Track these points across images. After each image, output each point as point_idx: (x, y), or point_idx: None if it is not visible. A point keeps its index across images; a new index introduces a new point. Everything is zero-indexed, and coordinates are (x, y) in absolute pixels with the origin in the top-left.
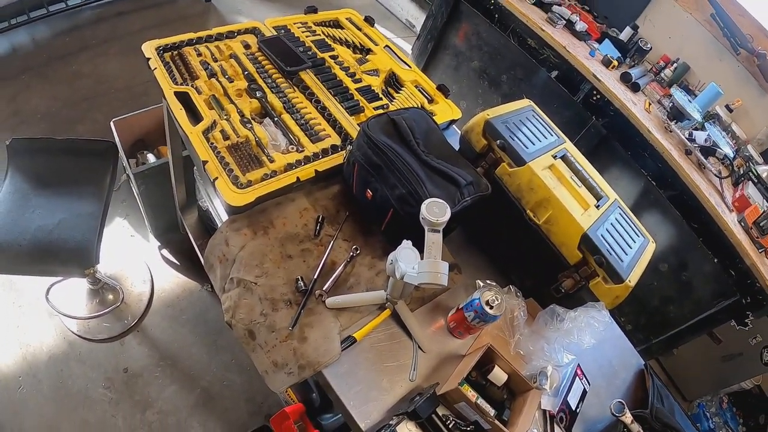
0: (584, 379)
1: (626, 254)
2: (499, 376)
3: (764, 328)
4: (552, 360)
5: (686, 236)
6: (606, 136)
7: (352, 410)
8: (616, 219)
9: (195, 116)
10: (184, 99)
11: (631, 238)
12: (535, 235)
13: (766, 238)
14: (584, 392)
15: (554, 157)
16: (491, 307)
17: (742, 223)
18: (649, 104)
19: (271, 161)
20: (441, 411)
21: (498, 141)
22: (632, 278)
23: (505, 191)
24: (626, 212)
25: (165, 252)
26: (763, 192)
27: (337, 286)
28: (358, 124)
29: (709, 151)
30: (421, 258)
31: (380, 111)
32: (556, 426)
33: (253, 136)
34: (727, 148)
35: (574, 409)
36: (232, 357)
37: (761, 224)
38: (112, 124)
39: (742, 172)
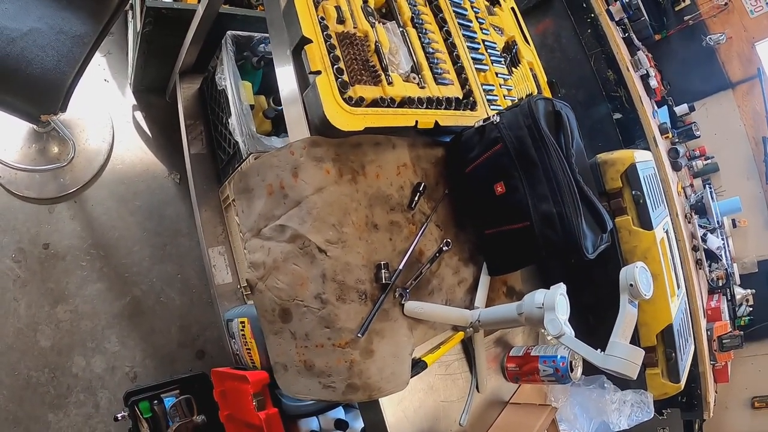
0: None
1: (684, 356)
2: None
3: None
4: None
5: None
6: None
7: None
8: (683, 315)
9: None
10: None
11: (691, 336)
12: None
13: (722, 355)
14: None
15: (665, 230)
16: (572, 371)
17: (709, 332)
18: (682, 188)
19: (390, 83)
20: None
21: (634, 192)
22: (683, 380)
23: (616, 246)
24: (686, 305)
25: (139, 115)
26: (730, 310)
27: (418, 286)
28: (482, 85)
29: (710, 255)
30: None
31: (503, 79)
32: None
33: (374, 34)
34: (724, 260)
35: None
36: (179, 271)
37: (724, 342)
38: None
39: (721, 284)
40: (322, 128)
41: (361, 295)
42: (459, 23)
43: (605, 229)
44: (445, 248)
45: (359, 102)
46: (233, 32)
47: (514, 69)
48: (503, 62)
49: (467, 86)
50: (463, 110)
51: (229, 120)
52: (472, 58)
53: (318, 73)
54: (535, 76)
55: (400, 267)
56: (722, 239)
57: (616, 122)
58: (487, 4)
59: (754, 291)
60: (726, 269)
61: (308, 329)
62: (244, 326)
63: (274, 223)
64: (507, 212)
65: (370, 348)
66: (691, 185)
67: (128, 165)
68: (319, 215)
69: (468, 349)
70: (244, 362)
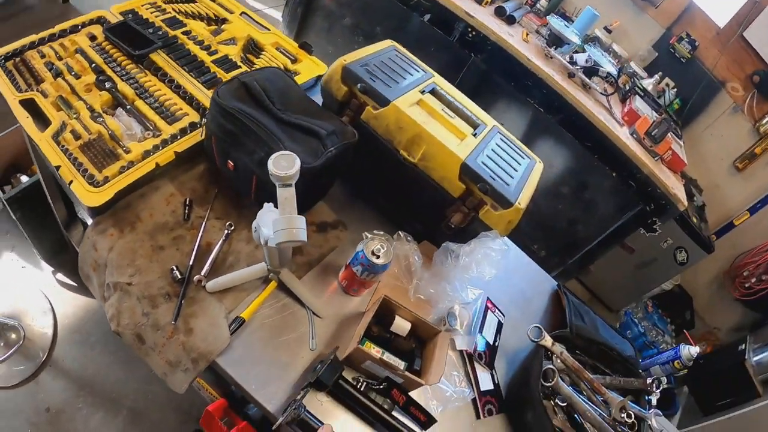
0: (497, 311)
1: (512, 177)
2: (401, 325)
3: (672, 231)
4: (457, 299)
5: (582, 156)
6: (487, 72)
7: (255, 394)
8: (497, 144)
9: (45, 122)
10: (31, 106)
11: (515, 160)
12: (414, 175)
13: (659, 146)
14: (500, 324)
15: (422, 92)
16: (377, 257)
17: (634, 135)
18: (527, 34)
19: (127, 152)
20: (350, 375)
21: (358, 85)
22: (522, 200)
23: (374, 135)
24: (507, 137)
25: (60, 276)
26: (650, 103)
27: (216, 268)
28: None
29: (591, 71)
30: None
31: None
32: (476, 363)
33: (105, 129)
34: (609, 67)
35: (492, 343)
36: (150, 369)
37: (653, 133)
38: None
39: (627, 88)
40: (92, 211)
41: (165, 296)
42: (183, 67)
43: (320, 137)
44: (229, 231)
45: (106, 180)
46: None
47: (257, 59)
48: (241, 63)
49: (201, 107)
50: (201, 128)
51: None
52: (205, 81)
53: (71, 182)
54: (284, 50)
55: (191, 262)
56: (602, 51)
57: (431, 23)
58: (215, 27)
59: (660, 73)
60: (617, 74)
61: (153, 338)
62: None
63: (105, 285)
64: (244, 178)
65: (189, 328)
66: (545, 24)
67: (72, 316)
68: (118, 264)
69: (290, 291)
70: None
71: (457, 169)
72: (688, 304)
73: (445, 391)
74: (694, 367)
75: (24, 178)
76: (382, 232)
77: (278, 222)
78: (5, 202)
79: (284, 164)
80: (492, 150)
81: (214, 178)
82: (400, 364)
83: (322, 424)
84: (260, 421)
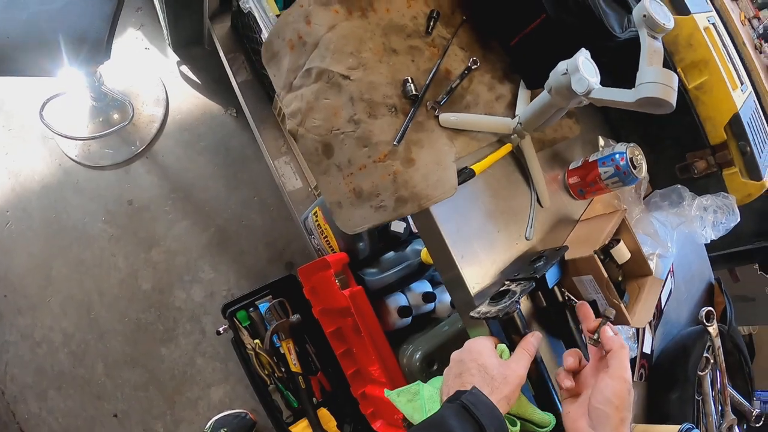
0: (673, 277)
1: (763, 150)
2: (623, 253)
3: None
4: (661, 247)
5: None
6: None
7: (462, 267)
8: (755, 111)
9: None
10: None
11: (762, 137)
12: (680, 100)
13: None
14: (670, 292)
15: (709, 20)
16: (635, 168)
17: None
18: (745, 17)
19: None
20: None
21: None
22: (766, 176)
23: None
24: (759, 110)
25: (185, 68)
26: None
27: (451, 101)
28: None
29: None
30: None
31: None
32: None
33: None
34: None
35: (662, 307)
36: (255, 193)
37: None
38: None
39: None
40: None
41: (391, 109)
42: None
43: (629, 8)
44: (473, 66)
45: None
46: None
47: None
48: None
49: None
50: None
51: (262, 36)
52: None
53: None
54: None
55: (427, 82)
56: None
57: None
58: None
59: None
60: None
61: (349, 155)
62: (317, 215)
63: (302, 70)
64: (520, 12)
65: (410, 157)
66: (757, 17)
67: (186, 114)
68: (336, 47)
69: (522, 165)
70: (325, 253)
71: (728, 116)
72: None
73: None
74: None
75: None
76: (632, 143)
77: (648, 73)
78: None
79: (661, 12)
80: (754, 112)
81: (465, 2)
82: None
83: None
84: (374, 292)
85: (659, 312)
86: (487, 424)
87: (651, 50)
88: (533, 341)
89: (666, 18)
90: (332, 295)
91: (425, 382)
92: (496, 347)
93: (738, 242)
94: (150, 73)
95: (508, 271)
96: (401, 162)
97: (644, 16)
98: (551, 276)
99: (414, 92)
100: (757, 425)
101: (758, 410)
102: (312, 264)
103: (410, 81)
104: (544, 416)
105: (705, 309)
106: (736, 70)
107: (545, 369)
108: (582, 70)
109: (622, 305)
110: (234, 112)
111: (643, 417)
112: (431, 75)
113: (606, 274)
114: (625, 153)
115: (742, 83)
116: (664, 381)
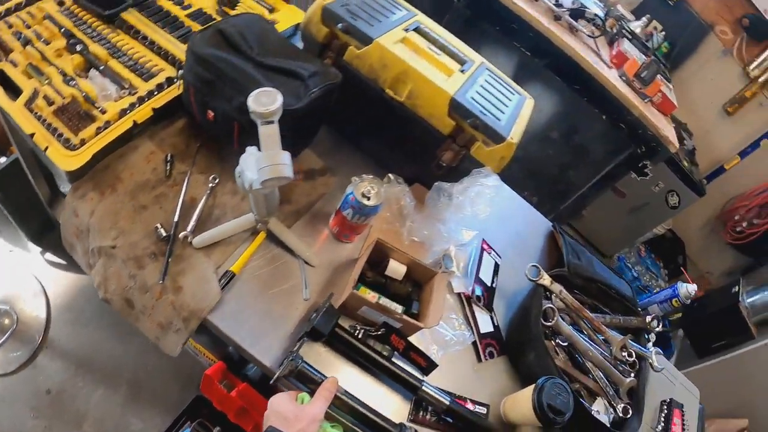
0: (493, 252)
1: (503, 112)
2: (396, 269)
3: (664, 175)
4: (452, 240)
5: (571, 100)
6: (472, 17)
7: (250, 349)
8: (486, 80)
9: (17, 92)
10: (1, 77)
11: (505, 96)
12: (402, 114)
13: (648, 88)
14: (497, 266)
15: (406, 30)
16: (368, 198)
17: (623, 78)
18: None
19: (103, 112)
20: (346, 323)
21: (339, 24)
22: (514, 135)
23: (358, 76)
24: (496, 73)
25: (48, 255)
26: (638, 46)
27: (202, 223)
28: None
29: (578, 13)
30: None
31: None
32: (474, 306)
33: (79, 92)
34: (596, 9)
35: (490, 284)
36: (145, 339)
37: (642, 75)
38: None
39: (615, 31)
40: (70, 176)
41: (151, 256)
42: (157, 23)
43: (302, 77)
44: (213, 184)
45: (82, 143)
46: None
47: (233, 10)
48: (217, 15)
49: (177, 62)
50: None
51: None
52: (180, 36)
53: (47, 148)
54: (261, 0)
55: (175, 219)
56: None
57: None
58: None
59: (648, 16)
60: (604, 16)
61: (142, 302)
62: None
63: (89, 252)
64: (225, 127)
65: (178, 286)
66: None
67: (64, 295)
68: (100, 227)
69: (279, 241)
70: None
71: (446, 105)
72: (680, 249)
73: (444, 335)
74: (689, 310)
75: (2, 160)
76: (371, 175)
77: (261, 159)
78: None
79: (265, 100)
80: (481, 86)
81: (195, 132)
82: (398, 309)
83: (322, 375)
84: (260, 381)
85: (488, 291)
86: None
87: (265, 136)
88: (328, 386)
89: (261, 106)
90: (228, 400)
91: None
92: (297, 397)
93: (600, 167)
94: (21, 272)
95: (296, 333)
96: (172, 292)
97: (252, 112)
98: (323, 324)
99: (165, 234)
100: (663, 328)
101: (650, 315)
102: (203, 382)
103: (159, 227)
104: None
105: (528, 266)
106: (453, 56)
107: (355, 399)
108: (244, 170)
109: (405, 316)
110: None
111: (515, 388)
112: (177, 212)
113: (375, 300)
114: (353, 192)
115: (463, 63)
116: (518, 347)
